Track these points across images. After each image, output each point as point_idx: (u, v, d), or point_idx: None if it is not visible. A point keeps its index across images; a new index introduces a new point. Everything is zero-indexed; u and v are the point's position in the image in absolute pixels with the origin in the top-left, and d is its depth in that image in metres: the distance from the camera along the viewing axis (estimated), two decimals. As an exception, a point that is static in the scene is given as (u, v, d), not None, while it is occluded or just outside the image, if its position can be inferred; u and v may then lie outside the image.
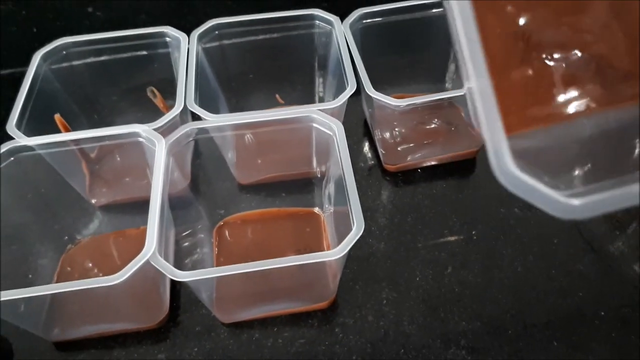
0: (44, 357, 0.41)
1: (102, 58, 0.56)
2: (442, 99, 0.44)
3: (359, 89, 0.52)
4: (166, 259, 0.33)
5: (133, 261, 0.32)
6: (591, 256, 0.45)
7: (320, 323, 0.42)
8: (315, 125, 0.42)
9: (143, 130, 0.41)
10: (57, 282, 0.43)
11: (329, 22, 0.52)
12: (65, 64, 0.54)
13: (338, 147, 0.39)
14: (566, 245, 0.46)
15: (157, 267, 0.32)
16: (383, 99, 0.43)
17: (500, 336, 0.40)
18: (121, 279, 0.32)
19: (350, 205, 0.35)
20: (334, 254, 0.33)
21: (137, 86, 0.56)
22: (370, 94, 0.43)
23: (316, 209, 0.48)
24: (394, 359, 0.39)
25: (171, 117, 0.42)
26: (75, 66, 0.55)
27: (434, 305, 0.42)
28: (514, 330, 0.41)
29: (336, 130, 0.40)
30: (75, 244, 0.47)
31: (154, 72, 0.58)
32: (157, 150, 0.39)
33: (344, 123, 0.41)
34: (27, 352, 0.41)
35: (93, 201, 0.50)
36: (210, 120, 0.42)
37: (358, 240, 0.46)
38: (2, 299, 0.31)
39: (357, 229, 0.34)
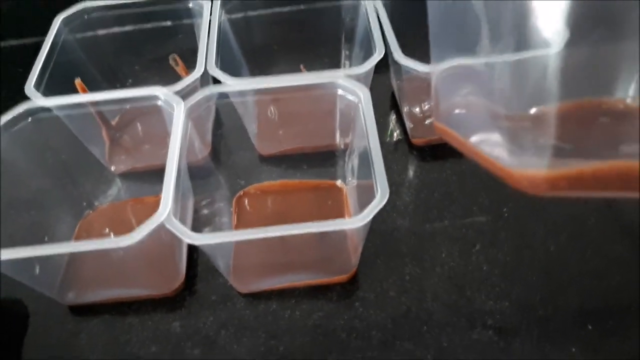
0: (58, 321, 0.40)
1: (125, 27, 0.56)
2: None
3: (387, 61, 0.50)
4: (183, 225, 0.32)
5: (146, 222, 0.31)
6: (628, 240, 0.42)
7: (339, 296, 0.40)
8: (340, 92, 0.40)
9: (162, 93, 0.39)
10: (75, 246, 0.43)
11: (358, -13, 0.49)
12: (86, 31, 0.53)
13: (363, 113, 0.37)
14: (602, 227, 0.43)
15: (171, 229, 0.31)
16: (412, 65, 0.40)
17: (529, 317, 0.38)
18: (134, 240, 0.31)
19: (374, 173, 0.33)
20: (356, 221, 0.31)
21: (160, 56, 0.55)
22: (399, 61, 0.41)
23: (338, 182, 0.47)
24: (415, 336, 0.38)
25: (191, 80, 0.41)
26: (97, 33, 0.54)
27: (460, 283, 0.40)
28: (544, 312, 0.38)
29: (362, 97, 0.38)
30: (94, 210, 0.46)
31: (178, 42, 0.56)
32: (175, 113, 0.38)
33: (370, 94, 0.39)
34: (42, 316, 0.41)
35: (112, 168, 0.50)
36: (231, 84, 0.40)
37: (382, 214, 0.44)
38: (7, 257, 0.31)
39: (380, 197, 0.32)
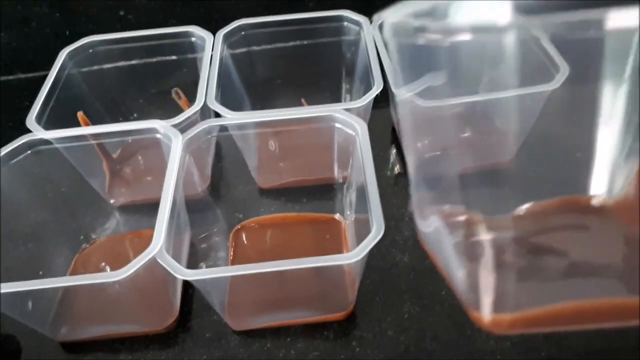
0: (50, 357, 0.39)
1: (129, 61, 0.56)
2: (474, 102, 0.42)
3: (388, 96, 0.50)
4: (178, 260, 0.32)
5: (138, 257, 0.31)
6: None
7: (336, 335, 0.39)
8: (337, 125, 0.40)
9: (161, 126, 0.40)
10: (69, 282, 0.42)
11: (358, 23, 0.50)
12: (91, 64, 0.54)
13: (360, 147, 0.37)
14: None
15: (162, 264, 0.31)
16: (412, 99, 0.40)
17: (532, 358, 0.37)
18: (125, 275, 0.30)
19: (370, 207, 0.33)
20: (351, 256, 0.30)
21: (164, 90, 0.56)
22: (397, 93, 0.41)
23: (337, 216, 0.46)
24: (414, 378, 0.36)
25: (190, 113, 0.41)
26: (102, 67, 0.55)
27: (460, 321, 0.39)
28: (547, 353, 0.37)
29: (359, 130, 0.38)
30: (91, 244, 0.46)
31: (181, 76, 0.57)
32: (172, 145, 0.38)
33: (370, 130, 0.39)
34: (34, 352, 0.40)
35: (112, 201, 0.49)
36: (230, 117, 0.40)
37: (380, 249, 0.44)
38: (2, 290, 0.30)
39: (376, 231, 0.31)
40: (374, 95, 0.41)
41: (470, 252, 0.32)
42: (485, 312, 0.30)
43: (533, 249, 0.34)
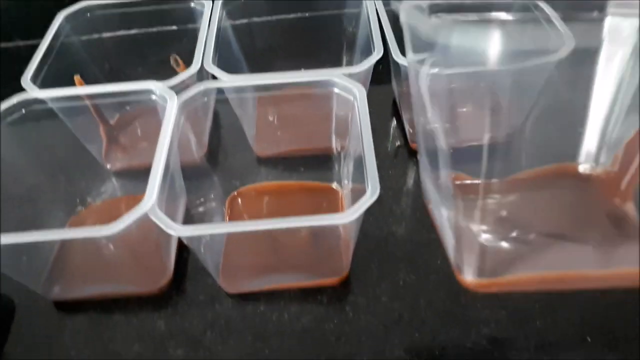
0: (43, 316, 0.39)
1: (127, 28, 0.56)
2: (479, 73, 0.41)
3: (389, 69, 0.50)
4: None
5: (130, 213, 0.30)
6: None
7: (330, 300, 0.39)
8: (336, 90, 0.40)
9: (157, 87, 0.39)
10: (62, 242, 0.42)
11: (359, -6, 0.49)
12: (89, 30, 0.54)
13: (359, 111, 0.37)
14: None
15: (154, 220, 0.31)
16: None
17: (527, 328, 0.37)
18: (116, 230, 0.30)
19: (366, 169, 0.33)
20: (346, 216, 0.30)
21: (163, 58, 0.55)
22: (397, 60, 0.41)
23: (334, 185, 0.46)
24: (406, 344, 0.36)
25: (187, 76, 0.40)
26: (99, 32, 0.55)
27: (455, 290, 0.39)
28: (542, 322, 0.37)
29: (358, 95, 0.38)
30: (86, 207, 0.46)
31: (181, 44, 0.56)
32: (167, 106, 0.37)
33: (371, 103, 0.38)
34: (28, 311, 0.40)
35: (108, 166, 0.49)
36: (226, 80, 0.40)
37: (377, 219, 0.44)
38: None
39: (371, 193, 0.31)
40: (374, 61, 0.40)
41: (460, 220, 0.32)
42: (468, 276, 0.34)
43: (513, 219, 0.35)
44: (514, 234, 0.35)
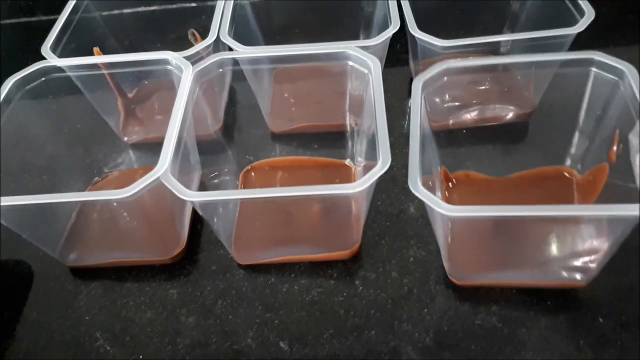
0: (59, 282, 0.40)
1: (149, 5, 0.56)
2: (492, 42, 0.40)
3: (407, 49, 0.49)
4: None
5: (143, 178, 0.31)
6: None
7: (340, 274, 0.39)
8: (350, 63, 0.39)
9: (172, 57, 0.39)
10: (80, 209, 0.43)
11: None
12: (110, 5, 0.54)
13: (373, 84, 0.36)
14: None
15: (167, 185, 0.31)
16: (428, 39, 0.39)
17: (538, 306, 0.36)
18: (129, 193, 0.30)
19: (377, 140, 0.32)
20: (356, 185, 0.30)
21: (182, 35, 0.55)
22: (414, 34, 0.40)
23: (347, 161, 0.46)
24: (415, 318, 0.36)
25: (203, 46, 0.41)
26: (120, 8, 0.55)
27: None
28: (553, 301, 0.36)
29: (372, 68, 0.37)
30: (103, 178, 0.47)
31: (201, 21, 0.57)
32: (183, 75, 0.37)
33: (388, 82, 0.38)
34: (45, 277, 0.41)
35: (125, 139, 0.50)
36: (242, 51, 0.40)
37: (390, 196, 0.44)
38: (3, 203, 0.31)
39: (382, 164, 0.31)
40: (390, 34, 0.40)
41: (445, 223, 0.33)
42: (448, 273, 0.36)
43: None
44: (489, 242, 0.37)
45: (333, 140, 0.47)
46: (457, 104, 0.48)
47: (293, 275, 0.39)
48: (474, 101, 0.48)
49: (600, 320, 0.35)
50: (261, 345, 0.36)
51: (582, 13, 0.40)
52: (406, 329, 0.36)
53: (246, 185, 0.45)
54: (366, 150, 0.41)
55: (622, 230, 0.31)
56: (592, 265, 0.35)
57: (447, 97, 0.48)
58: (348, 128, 0.46)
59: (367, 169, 0.41)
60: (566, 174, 0.42)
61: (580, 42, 0.41)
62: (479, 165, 0.44)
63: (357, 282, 0.38)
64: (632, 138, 0.33)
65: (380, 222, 0.42)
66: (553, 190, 0.41)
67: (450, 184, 0.43)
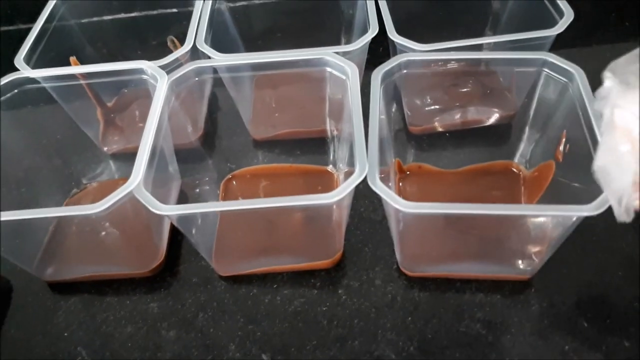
0: (37, 297, 0.40)
1: (128, 12, 0.56)
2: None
3: (389, 52, 0.49)
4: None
5: (116, 191, 0.30)
6: (631, 235, 0.39)
7: (323, 283, 0.39)
8: (329, 69, 0.39)
9: (148, 66, 0.39)
10: (57, 223, 0.42)
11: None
12: (86, 13, 0.53)
13: (350, 89, 0.36)
14: (605, 220, 0.41)
15: (139, 199, 0.30)
16: (406, 43, 0.39)
17: (521, 311, 0.36)
18: (102, 208, 0.30)
19: (355, 148, 0.32)
20: (334, 195, 0.29)
21: (163, 43, 0.54)
22: (393, 38, 0.40)
23: (330, 167, 0.45)
24: (399, 327, 0.36)
25: (179, 54, 0.40)
26: (98, 15, 0.54)
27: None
28: (537, 306, 0.36)
29: (350, 73, 0.37)
30: (82, 189, 0.46)
31: (181, 27, 0.56)
32: (158, 84, 0.37)
33: (369, 85, 0.37)
34: (23, 292, 0.40)
35: (105, 149, 0.49)
36: (219, 59, 0.39)
37: (373, 202, 0.43)
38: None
39: (359, 172, 0.30)
40: (369, 39, 0.40)
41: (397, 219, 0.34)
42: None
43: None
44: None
45: (315, 146, 0.47)
46: (438, 106, 0.48)
47: (275, 286, 0.39)
48: (455, 104, 0.48)
49: (585, 324, 0.35)
50: (243, 358, 0.35)
51: (561, 14, 0.39)
52: (390, 337, 0.36)
53: (227, 193, 0.44)
54: (347, 157, 0.41)
55: (565, 227, 0.32)
56: (536, 259, 0.36)
57: (427, 100, 0.48)
58: (329, 134, 0.45)
59: (348, 175, 0.41)
60: (514, 169, 0.43)
61: (563, 41, 0.41)
62: (431, 158, 0.46)
63: (340, 292, 0.38)
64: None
65: (363, 229, 0.41)
66: (501, 184, 0.42)
67: (403, 175, 0.43)
